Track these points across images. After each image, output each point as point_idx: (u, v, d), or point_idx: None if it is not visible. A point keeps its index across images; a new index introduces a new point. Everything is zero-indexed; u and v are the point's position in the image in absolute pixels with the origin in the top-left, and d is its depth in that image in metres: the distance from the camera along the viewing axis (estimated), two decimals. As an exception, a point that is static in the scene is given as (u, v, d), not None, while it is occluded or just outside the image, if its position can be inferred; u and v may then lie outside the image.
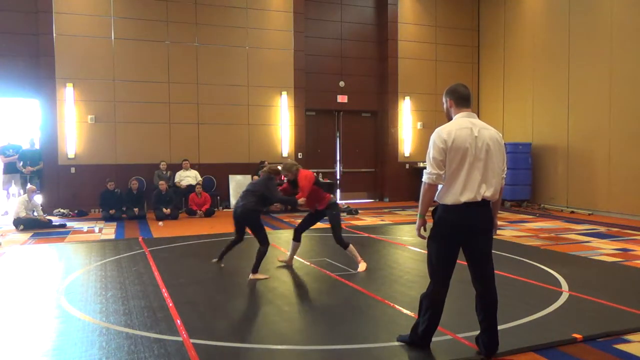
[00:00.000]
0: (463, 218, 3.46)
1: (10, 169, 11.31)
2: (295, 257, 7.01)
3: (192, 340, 3.92)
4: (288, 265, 6.53)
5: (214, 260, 6.37)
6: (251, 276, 5.84)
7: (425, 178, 3.47)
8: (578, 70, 12.22)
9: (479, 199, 3.44)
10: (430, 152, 3.44)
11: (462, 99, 3.56)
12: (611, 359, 3.63)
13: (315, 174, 6.45)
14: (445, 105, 3.64)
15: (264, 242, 5.91)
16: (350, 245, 6.25)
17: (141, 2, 12.32)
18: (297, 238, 6.49)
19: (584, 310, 4.65)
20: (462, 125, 3.45)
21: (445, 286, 3.60)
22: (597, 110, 11.71)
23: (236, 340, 3.97)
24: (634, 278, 5.96)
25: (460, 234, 3.51)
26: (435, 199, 3.52)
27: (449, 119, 3.61)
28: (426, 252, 3.65)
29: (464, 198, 3.41)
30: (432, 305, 3.60)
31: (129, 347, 3.83)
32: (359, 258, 6.27)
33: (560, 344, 3.84)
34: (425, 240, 3.64)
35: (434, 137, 3.45)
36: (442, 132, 3.42)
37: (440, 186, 3.48)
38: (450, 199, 3.44)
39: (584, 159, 12.11)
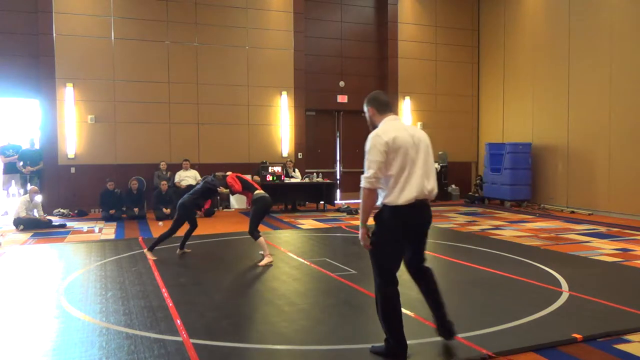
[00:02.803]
0: (415, 216, 3.51)
1: (10, 169, 11.31)
2: (295, 257, 7.02)
3: (192, 340, 3.92)
4: (272, 265, 6.55)
5: (178, 251, 7.24)
6: (145, 251, 7.03)
7: (364, 183, 3.43)
8: (578, 70, 12.22)
9: (426, 193, 3.50)
10: (371, 156, 3.43)
11: (383, 106, 3.63)
12: (611, 359, 3.63)
13: (237, 174, 7.17)
14: (367, 115, 3.69)
15: (172, 231, 6.95)
16: (261, 239, 6.64)
17: (141, 2, 12.32)
18: (256, 237, 6.71)
19: (584, 310, 4.65)
20: (396, 126, 3.53)
21: (397, 283, 3.60)
22: (597, 110, 11.71)
23: (236, 340, 3.97)
24: (634, 278, 5.96)
25: (411, 231, 3.55)
26: (383, 201, 3.48)
27: (374, 126, 3.63)
28: (373, 254, 3.57)
29: (413, 195, 3.43)
30: (393, 308, 3.56)
31: (129, 347, 3.83)
32: (267, 252, 6.62)
33: (560, 344, 3.84)
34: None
35: (373, 141, 3.45)
36: (382, 134, 3.45)
37: (383, 189, 3.48)
38: (403, 198, 3.43)
39: (584, 159, 12.11)
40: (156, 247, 7.08)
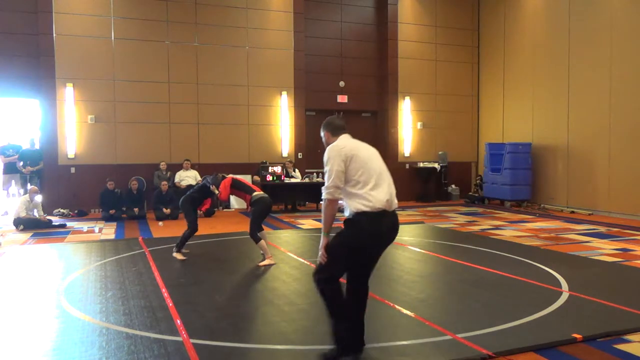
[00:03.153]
0: (386, 224, 3.46)
1: (10, 169, 11.30)
2: (295, 257, 7.03)
3: (192, 340, 3.92)
4: (274, 265, 6.58)
5: (174, 253, 6.99)
6: (175, 253, 6.90)
7: (325, 194, 3.45)
8: (578, 70, 12.22)
9: (393, 199, 3.51)
10: (330, 165, 3.44)
11: (338, 129, 3.69)
12: (611, 359, 3.63)
13: (234, 178, 7.09)
14: (323, 139, 3.74)
15: (190, 227, 6.95)
16: (262, 241, 6.66)
17: (141, 2, 12.32)
18: (256, 239, 6.70)
19: (584, 310, 4.65)
20: (351, 141, 3.59)
21: (337, 282, 3.51)
22: (597, 110, 11.71)
23: (236, 340, 3.97)
24: (634, 278, 5.96)
25: (376, 241, 3.49)
26: (354, 210, 3.43)
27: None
28: (331, 248, 3.47)
29: (384, 201, 3.42)
30: (339, 297, 3.49)
31: (129, 347, 3.83)
32: (268, 254, 6.64)
33: (560, 344, 3.84)
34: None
35: (330, 151, 3.49)
36: (339, 145, 3.51)
37: (353, 200, 3.44)
38: (374, 204, 3.39)
39: (584, 159, 12.11)
40: (175, 246, 7.07)
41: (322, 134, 3.76)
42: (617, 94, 11.28)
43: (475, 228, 9.75)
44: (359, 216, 3.43)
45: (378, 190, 3.43)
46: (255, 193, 6.85)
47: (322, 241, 3.50)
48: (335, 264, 3.48)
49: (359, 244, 3.46)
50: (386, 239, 3.55)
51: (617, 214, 11.20)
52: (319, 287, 3.49)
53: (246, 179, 12.56)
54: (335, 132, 3.68)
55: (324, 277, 3.47)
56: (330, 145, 3.56)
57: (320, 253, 3.49)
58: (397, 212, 3.61)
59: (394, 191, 3.56)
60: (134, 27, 12.26)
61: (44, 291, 5.42)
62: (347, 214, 3.51)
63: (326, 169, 3.48)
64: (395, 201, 3.57)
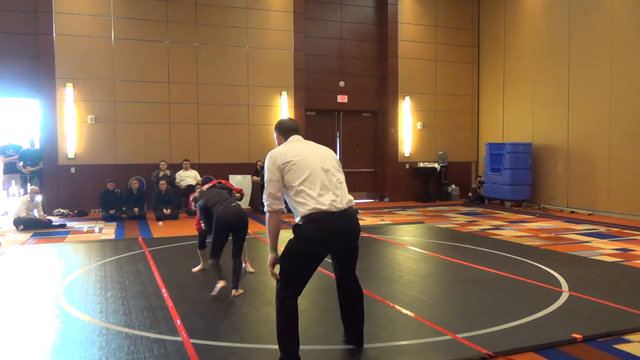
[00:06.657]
0: (336, 225, 3.33)
1: (10, 169, 11.30)
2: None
3: (191, 340, 3.92)
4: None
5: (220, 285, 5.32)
6: (234, 292, 5.27)
7: (266, 207, 3.37)
8: (578, 70, 12.22)
9: (339, 201, 3.37)
10: (267, 176, 3.39)
11: (287, 131, 3.67)
12: (611, 359, 3.63)
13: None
14: (276, 141, 3.73)
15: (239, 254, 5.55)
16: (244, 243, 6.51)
17: (141, 2, 12.32)
18: (203, 246, 6.37)
19: (584, 310, 4.65)
20: (295, 144, 3.55)
21: (298, 295, 3.40)
22: (597, 110, 11.71)
23: (236, 340, 3.97)
24: (634, 278, 5.96)
25: (332, 242, 3.39)
26: (299, 214, 3.35)
27: None
28: (283, 260, 3.38)
29: (326, 203, 3.30)
30: (290, 318, 3.38)
31: (128, 347, 3.83)
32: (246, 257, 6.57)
33: (560, 344, 3.84)
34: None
35: (267, 162, 3.44)
36: (275, 153, 3.45)
37: (297, 206, 3.36)
38: (316, 206, 3.29)
39: (584, 159, 12.11)
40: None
41: (274, 136, 3.73)
42: (617, 94, 11.28)
43: (475, 228, 9.75)
44: (304, 221, 3.33)
45: (320, 194, 3.32)
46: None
47: (270, 257, 3.38)
48: (293, 277, 3.37)
49: (310, 248, 3.34)
50: (339, 238, 3.41)
51: (617, 214, 11.20)
52: (282, 304, 3.36)
53: (246, 178, 12.70)
54: (286, 134, 3.65)
55: (286, 294, 3.34)
56: (269, 153, 3.49)
57: (270, 272, 3.38)
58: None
59: (343, 192, 3.45)
60: (134, 27, 12.25)
61: (44, 291, 5.42)
62: (297, 219, 3.41)
63: (265, 178, 3.42)
64: (346, 199, 3.44)
